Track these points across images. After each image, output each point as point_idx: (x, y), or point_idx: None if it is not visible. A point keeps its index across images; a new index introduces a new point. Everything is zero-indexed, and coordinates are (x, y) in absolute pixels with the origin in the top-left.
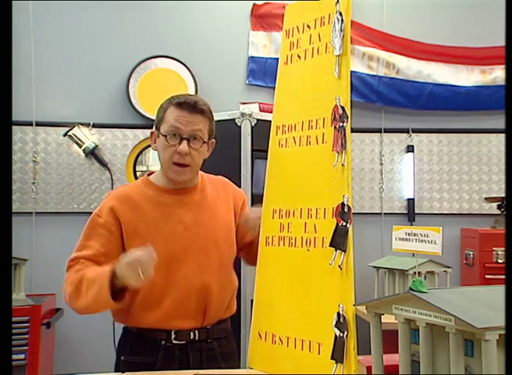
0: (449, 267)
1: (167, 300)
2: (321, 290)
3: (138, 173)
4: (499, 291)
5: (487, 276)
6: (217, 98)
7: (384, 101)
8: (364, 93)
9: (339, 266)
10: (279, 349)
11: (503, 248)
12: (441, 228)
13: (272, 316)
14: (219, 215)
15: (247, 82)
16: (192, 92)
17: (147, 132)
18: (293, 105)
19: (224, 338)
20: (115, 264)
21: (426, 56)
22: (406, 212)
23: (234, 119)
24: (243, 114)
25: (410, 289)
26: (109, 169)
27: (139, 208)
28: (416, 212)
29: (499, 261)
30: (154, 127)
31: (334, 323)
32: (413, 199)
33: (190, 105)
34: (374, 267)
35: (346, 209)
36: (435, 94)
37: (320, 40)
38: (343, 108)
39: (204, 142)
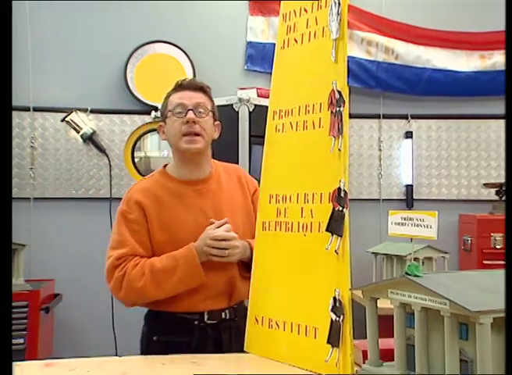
0: (446, 253)
1: (200, 285)
2: (317, 274)
3: (136, 159)
4: (495, 275)
5: (485, 262)
6: (215, 83)
7: (383, 87)
8: (363, 78)
9: (336, 251)
10: (276, 333)
11: (501, 234)
12: (436, 213)
13: (269, 300)
14: (237, 202)
15: (246, 67)
16: (190, 77)
17: (146, 118)
18: (289, 90)
19: (245, 316)
20: (193, 244)
21: (425, 41)
22: (404, 198)
23: (232, 105)
24: (240, 99)
25: (406, 273)
26: (107, 155)
27: (162, 202)
28: (414, 198)
29: (497, 247)
30: (162, 119)
31: (330, 307)
32: (411, 185)
33: (190, 84)
34: (372, 253)
35: (342, 194)
36: (434, 80)
37: (317, 23)
38: (339, 92)
39: (210, 111)
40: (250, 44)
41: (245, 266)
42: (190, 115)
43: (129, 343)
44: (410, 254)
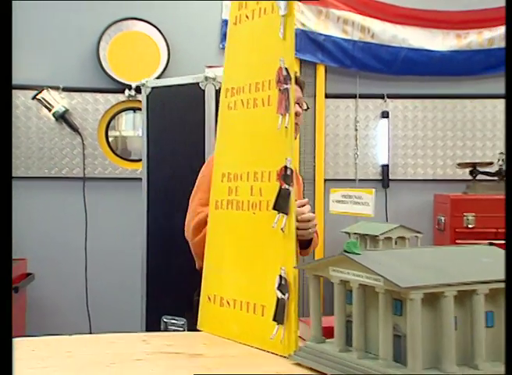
0: (419, 232)
1: None
2: (265, 253)
3: (110, 139)
4: (432, 252)
5: (457, 241)
6: (190, 62)
7: (359, 66)
8: (339, 58)
9: (282, 229)
10: (227, 312)
11: (474, 214)
12: (373, 190)
13: (221, 279)
14: None
15: (221, 46)
16: (164, 56)
17: (120, 96)
18: (241, 67)
19: None
20: None
21: (401, 20)
22: (380, 178)
23: (198, 83)
24: (206, 78)
25: (344, 251)
26: (80, 134)
27: None
28: (390, 178)
29: (470, 226)
30: None
31: (276, 285)
32: (387, 165)
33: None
34: (346, 233)
35: (288, 172)
36: (410, 59)
37: None
38: (286, 69)
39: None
40: (225, 22)
41: (303, 243)
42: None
43: (103, 321)
44: (383, 233)
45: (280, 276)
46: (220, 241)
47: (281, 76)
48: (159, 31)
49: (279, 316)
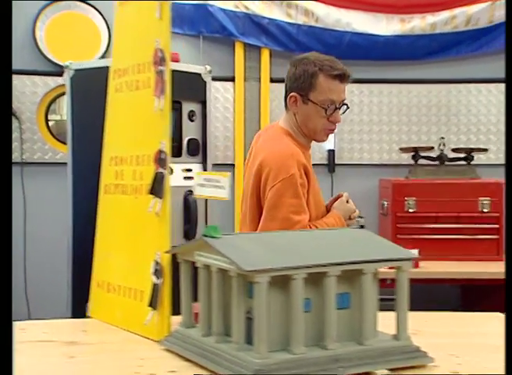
0: (361, 217)
1: None
2: (144, 238)
3: (51, 123)
4: (295, 235)
5: (398, 226)
6: None
7: (303, 50)
8: (283, 41)
9: (157, 213)
10: (113, 298)
11: (415, 198)
12: (228, 173)
13: (108, 264)
14: None
15: None
16: (105, 40)
17: (59, 79)
18: (126, 48)
19: None
20: (341, 215)
21: (346, 4)
22: (326, 162)
23: None
24: None
25: (204, 235)
26: (18, 118)
27: (309, 166)
28: (336, 163)
29: (410, 210)
30: (294, 91)
31: (152, 270)
32: (333, 150)
33: (342, 77)
34: None
35: (163, 156)
36: (354, 43)
37: None
38: (162, 51)
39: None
40: None
41: None
42: (338, 117)
43: (41, 307)
44: None
45: (156, 261)
46: (108, 226)
47: (157, 58)
48: (99, 13)
49: (153, 301)
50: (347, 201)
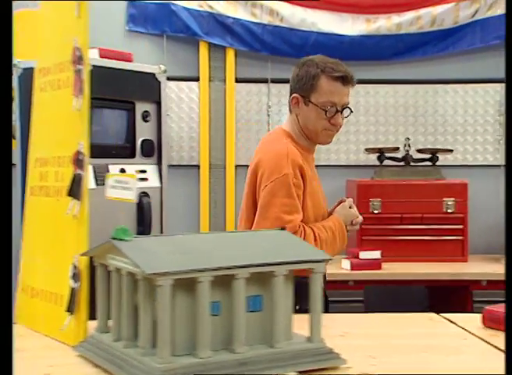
0: None
1: None
2: (64, 241)
3: None
4: (209, 237)
5: (363, 226)
6: (96, 45)
7: (269, 50)
8: (248, 41)
9: (75, 216)
10: (36, 303)
11: (379, 199)
12: (135, 175)
13: (33, 269)
14: None
15: (127, 28)
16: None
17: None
18: (48, 47)
19: None
20: (342, 220)
21: (311, 4)
22: None
23: None
24: None
25: (112, 238)
26: None
27: (307, 167)
28: None
29: (375, 211)
30: (296, 92)
31: (71, 274)
32: None
33: (344, 79)
34: None
35: (81, 157)
36: (319, 43)
37: None
38: (79, 50)
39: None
40: (131, 3)
41: None
42: (340, 120)
43: None
44: None
45: (74, 265)
46: (33, 229)
47: (75, 57)
48: None
49: (70, 306)
50: (350, 207)
